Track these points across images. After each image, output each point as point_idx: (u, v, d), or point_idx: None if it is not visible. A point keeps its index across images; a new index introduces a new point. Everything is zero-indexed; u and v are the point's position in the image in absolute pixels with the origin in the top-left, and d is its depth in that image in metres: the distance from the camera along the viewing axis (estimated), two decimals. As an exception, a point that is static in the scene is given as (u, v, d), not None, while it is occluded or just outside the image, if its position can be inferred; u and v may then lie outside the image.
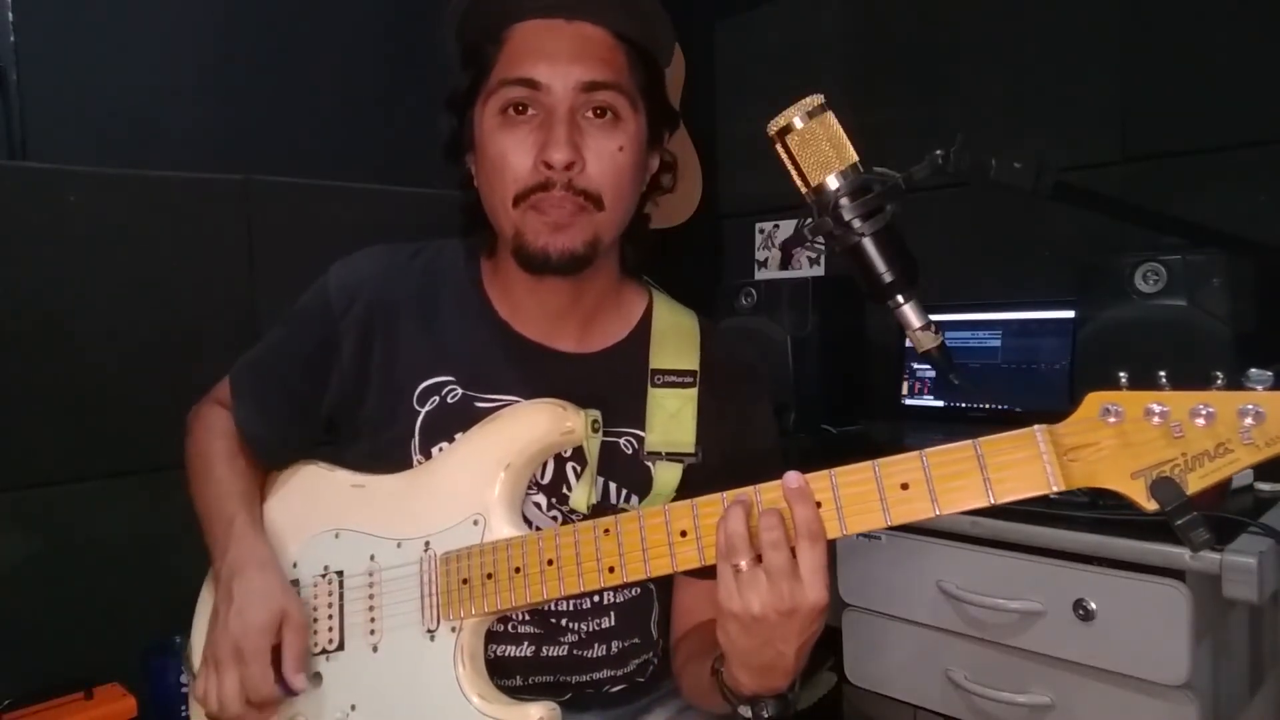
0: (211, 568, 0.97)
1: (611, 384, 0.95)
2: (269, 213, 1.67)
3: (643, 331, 1.00)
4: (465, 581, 0.85)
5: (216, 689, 0.86)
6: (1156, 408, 0.63)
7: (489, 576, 0.84)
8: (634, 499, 0.93)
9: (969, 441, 0.68)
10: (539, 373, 0.94)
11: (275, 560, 0.94)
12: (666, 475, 0.93)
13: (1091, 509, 1.10)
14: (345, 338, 0.96)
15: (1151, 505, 0.63)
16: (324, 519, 0.96)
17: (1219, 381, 0.62)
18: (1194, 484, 0.62)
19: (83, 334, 1.47)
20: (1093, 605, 1.09)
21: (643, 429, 0.94)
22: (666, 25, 0.91)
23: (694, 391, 0.96)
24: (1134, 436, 0.64)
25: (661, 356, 0.97)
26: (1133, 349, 1.32)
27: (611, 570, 0.79)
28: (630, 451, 0.94)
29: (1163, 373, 0.64)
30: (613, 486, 0.94)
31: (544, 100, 0.85)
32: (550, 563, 0.81)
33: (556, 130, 0.84)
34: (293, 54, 1.80)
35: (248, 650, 0.86)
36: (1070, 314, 1.55)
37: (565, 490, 0.94)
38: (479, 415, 0.91)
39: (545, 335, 0.96)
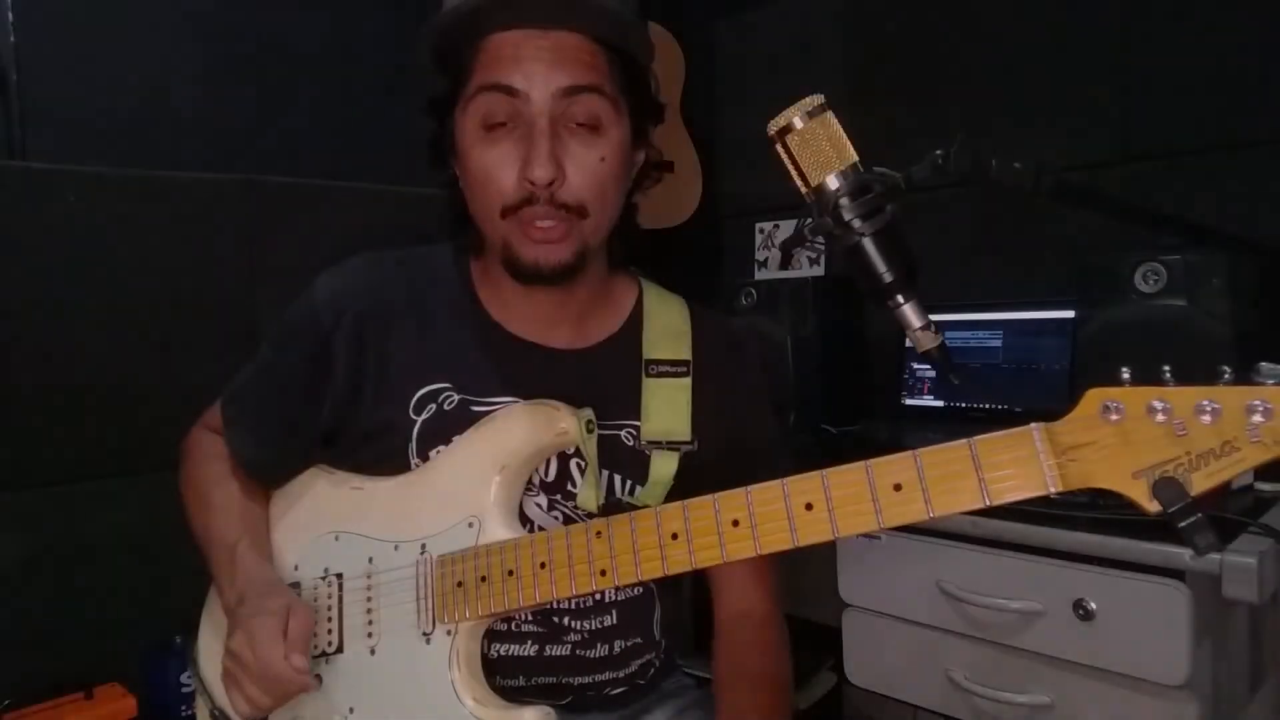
0: (220, 599, 0.95)
1: (608, 377, 0.95)
2: (269, 213, 1.67)
3: (634, 322, 1.00)
4: (460, 584, 0.85)
5: (244, 700, 0.85)
6: (1159, 404, 0.60)
7: (483, 579, 0.84)
8: (639, 490, 0.93)
9: (964, 441, 0.66)
10: (535, 372, 0.94)
11: (281, 581, 0.93)
12: (663, 464, 0.93)
13: (1091, 509, 1.10)
14: (337, 352, 0.94)
15: (1154, 506, 0.61)
16: (324, 521, 0.96)
17: (1226, 376, 0.60)
18: (1199, 484, 0.60)
19: (83, 334, 1.47)
20: (1093, 605, 1.09)
21: (640, 419, 0.95)
22: (640, 26, 0.91)
23: (688, 380, 0.96)
24: (1135, 435, 0.62)
25: (655, 346, 0.98)
26: (1133, 349, 1.31)
27: (603, 573, 0.78)
28: (631, 443, 0.94)
29: (1166, 367, 0.61)
30: (617, 479, 0.94)
31: (524, 110, 0.84)
32: (543, 565, 0.81)
33: (538, 146, 0.83)
34: (293, 54, 1.80)
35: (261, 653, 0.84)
36: (1070, 314, 1.55)
37: (569, 487, 0.94)
38: (476, 419, 0.91)
39: (539, 334, 0.96)
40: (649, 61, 0.94)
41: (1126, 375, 0.63)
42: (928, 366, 1.80)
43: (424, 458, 0.92)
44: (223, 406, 1.04)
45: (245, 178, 1.65)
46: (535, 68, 0.84)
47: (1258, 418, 0.58)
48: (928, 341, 0.76)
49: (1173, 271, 1.31)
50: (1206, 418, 0.59)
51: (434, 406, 0.93)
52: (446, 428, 0.92)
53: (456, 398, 0.93)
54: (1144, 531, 1.03)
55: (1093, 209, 1.37)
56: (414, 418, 0.93)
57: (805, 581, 1.50)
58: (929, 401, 1.80)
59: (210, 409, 1.06)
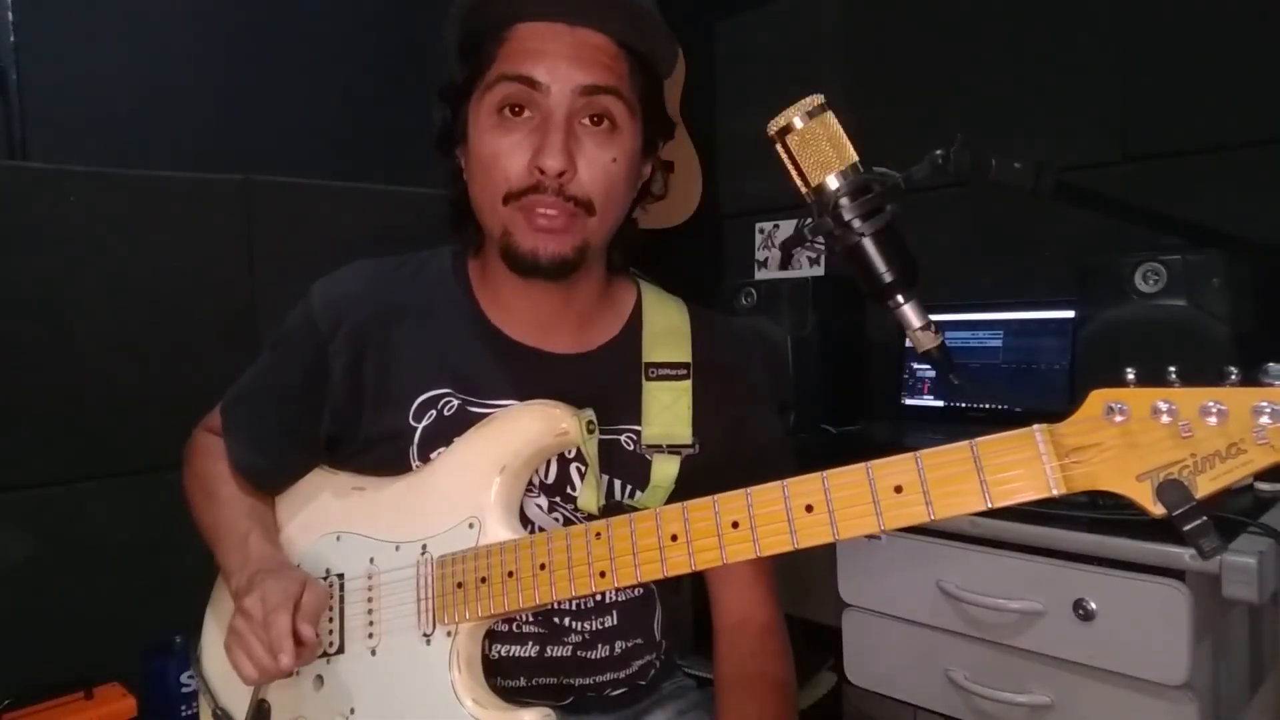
0: (228, 586, 0.95)
1: (607, 381, 0.95)
2: (269, 213, 1.67)
3: (634, 325, 0.99)
4: (460, 585, 0.85)
5: (248, 661, 0.85)
6: (1164, 405, 0.59)
7: (483, 580, 0.84)
8: (639, 494, 0.93)
9: (965, 442, 0.66)
10: (534, 376, 0.93)
11: (296, 566, 0.94)
12: (664, 468, 0.93)
13: (1091, 509, 1.10)
14: (335, 360, 0.94)
15: (1158, 510, 0.60)
16: (326, 522, 0.96)
17: (1233, 377, 0.59)
18: (1204, 487, 0.58)
19: (83, 334, 1.47)
20: (1093, 605, 1.09)
21: (640, 423, 0.94)
22: (669, 37, 0.91)
23: (688, 384, 0.96)
24: (1140, 436, 0.60)
25: (654, 350, 0.97)
26: (1133, 349, 1.31)
27: (603, 575, 0.78)
28: (631, 447, 0.94)
29: (1172, 368, 0.60)
30: (617, 484, 0.94)
31: (541, 102, 0.85)
32: (542, 567, 0.81)
33: (552, 137, 0.84)
34: (292, 54, 1.80)
35: (271, 607, 0.84)
36: (1070, 314, 1.55)
37: (570, 490, 0.94)
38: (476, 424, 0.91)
39: (538, 338, 0.96)
40: (669, 72, 0.95)
41: (1131, 376, 0.62)
42: (928, 366, 1.80)
43: (425, 460, 0.92)
44: (222, 412, 1.04)
45: (245, 178, 1.64)
46: (558, 63, 0.84)
47: (1265, 419, 0.56)
48: (928, 341, 0.76)
49: (1173, 271, 1.31)
50: (1212, 419, 0.58)
51: (434, 412, 0.93)
52: (447, 433, 0.91)
53: (456, 402, 0.93)
54: (1144, 531, 1.03)
55: (1093, 209, 1.37)
56: (414, 424, 0.92)
57: (805, 581, 1.51)
58: (929, 401, 1.80)
59: (211, 413, 1.07)
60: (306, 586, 0.87)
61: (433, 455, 0.92)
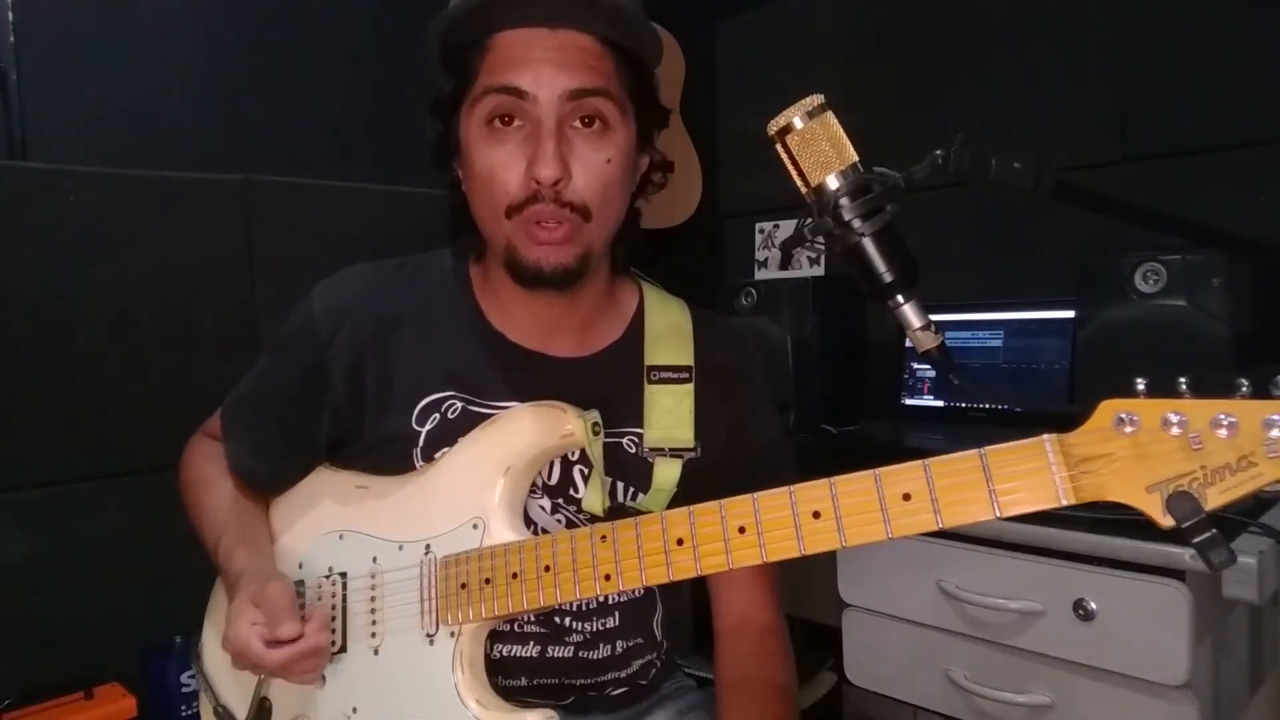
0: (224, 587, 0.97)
1: (609, 385, 0.95)
2: (269, 213, 1.67)
3: (636, 328, 0.99)
4: (464, 586, 0.85)
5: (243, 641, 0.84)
6: (1174, 417, 0.59)
7: (487, 582, 0.84)
8: (642, 497, 0.93)
9: (974, 451, 0.65)
10: (537, 380, 0.93)
11: (255, 569, 0.91)
12: (666, 471, 0.93)
13: (1092, 509, 1.09)
14: (335, 365, 0.94)
15: (1168, 521, 0.60)
16: (329, 520, 0.96)
17: (1244, 389, 0.58)
18: (1214, 499, 0.58)
19: (83, 334, 1.47)
20: (1093, 605, 1.09)
21: (643, 426, 0.94)
22: (651, 31, 0.90)
23: (690, 387, 0.96)
24: (1150, 448, 0.60)
25: (656, 353, 0.97)
26: (1133, 349, 1.31)
27: (608, 578, 0.78)
28: (634, 450, 0.94)
29: (1183, 379, 0.60)
30: (619, 486, 0.94)
31: (530, 111, 0.84)
32: (547, 569, 0.81)
33: (544, 145, 0.83)
34: (292, 54, 1.80)
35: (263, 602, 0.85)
36: (1070, 314, 1.55)
37: (573, 492, 0.94)
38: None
39: (540, 342, 0.95)
40: (657, 64, 0.94)
41: (1141, 386, 0.61)
42: (928, 366, 1.80)
43: (429, 460, 0.92)
44: (222, 415, 1.04)
45: (245, 178, 1.64)
46: (543, 69, 0.84)
47: (1276, 432, 0.56)
48: (928, 341, 0.76)
49: (1173, 271, 1.31)
50: (1223, 431, 0.58)
51: (438, 416, 0.92)
52: (452, 435, 0.91)
53: (460, 405, 0.93)
54: (1144, 531, 1.03)
55: (1093, 209, 1.37)
56: (418, 428, 0.92)
57: (805, 581, 1.51)
58: (929, 401, 1.79)
59: (210, 418, 1.07)
60: (265, 596, 0.84)
61: (436, 455, 0.92)
